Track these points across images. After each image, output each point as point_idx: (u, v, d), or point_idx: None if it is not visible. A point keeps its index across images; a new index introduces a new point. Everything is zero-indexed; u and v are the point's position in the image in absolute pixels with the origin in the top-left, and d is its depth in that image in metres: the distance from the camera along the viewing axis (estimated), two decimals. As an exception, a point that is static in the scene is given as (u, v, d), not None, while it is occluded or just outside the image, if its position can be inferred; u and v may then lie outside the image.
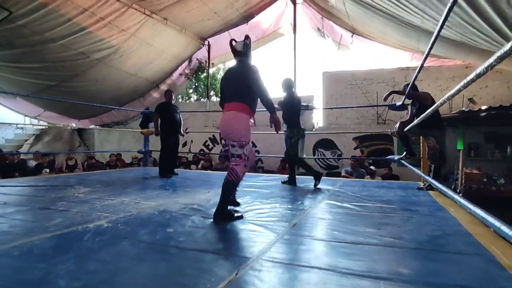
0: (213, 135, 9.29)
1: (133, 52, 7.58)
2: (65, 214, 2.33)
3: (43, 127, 9.92)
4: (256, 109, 2.43)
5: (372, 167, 6.82)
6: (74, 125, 9.67)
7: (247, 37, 2.58)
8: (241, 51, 2.53)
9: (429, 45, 1.95)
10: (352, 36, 7.89)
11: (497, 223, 0.96)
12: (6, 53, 6.35)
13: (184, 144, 9.69)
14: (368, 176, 6.31)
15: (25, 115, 9.19)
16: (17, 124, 9.28)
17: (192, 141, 9.62)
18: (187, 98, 14.18)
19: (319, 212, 2.53)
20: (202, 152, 9.09)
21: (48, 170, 6.50)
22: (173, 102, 5.12)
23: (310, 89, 30.41)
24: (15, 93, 7.25)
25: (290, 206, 2.70)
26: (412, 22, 4.62)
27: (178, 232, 1.91)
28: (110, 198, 2.95)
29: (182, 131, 5.01)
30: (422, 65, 2.30)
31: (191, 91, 13.67)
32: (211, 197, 3.07)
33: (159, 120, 4.77)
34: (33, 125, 9.64)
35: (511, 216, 5.06)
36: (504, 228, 0.91)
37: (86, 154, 8.71)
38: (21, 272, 1.34)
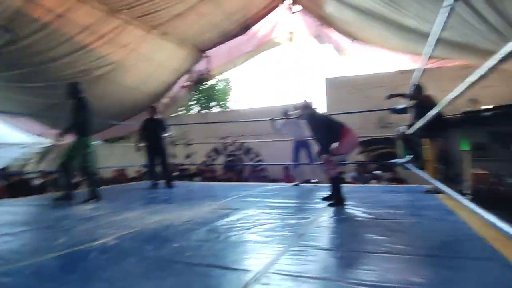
0: (216, 146, 9.31)
1: (133, 67, 7.67)
2: (70, 232, 2.32)
3: (49, 145, 9.99)
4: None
5: (377, 172, 6.76)
6: (78, 141, 9.71)
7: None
8: None
9: (428, 48, 1.95)
10: (352, 42, 7.93)
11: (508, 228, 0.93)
12: (11, 73, 6.44)
13: (188, 156, 9.71)
14: (374, 181, 6.25)
15: (30, 134, 9.26)
16: (22, 144, 9.35)
17: (195, 152, 9.63)
18: (187, 110, 14.28)
19: (326, 220, 2.49)
20: (205, 163, 9.08)
21: (53, 188, 6.51)
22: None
23: (312, 96, 30.47)
24: (22, 113, 7.33)
25: (296, 216, 2.67)
26: (410, 25, 4.64)
27: (184, 247, 1.89)
28: (115, 214, 2.94)
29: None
30: (423, 68, 2.29)
31: (192, 103, 13.76)
32: (216, 209, 3.04)
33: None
34: (38, 144, 9.72)
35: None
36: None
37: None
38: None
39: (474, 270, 1.44)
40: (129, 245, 1.96)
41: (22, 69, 6.39)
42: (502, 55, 0.85)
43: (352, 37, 7.77)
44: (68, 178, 3.75)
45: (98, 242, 2.03)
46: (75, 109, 3.86)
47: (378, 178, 6.43)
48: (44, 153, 9.86)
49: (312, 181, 4.83)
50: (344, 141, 3.08)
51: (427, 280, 1.33)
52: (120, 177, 8.23)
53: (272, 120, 4.94)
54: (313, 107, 3.49)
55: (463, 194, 5.51)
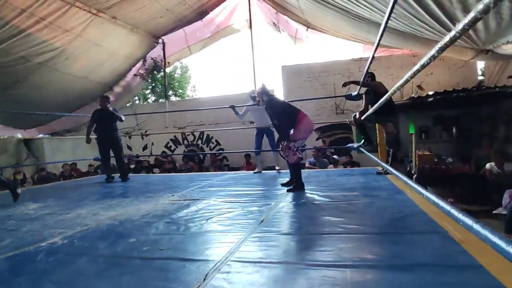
0: (175, 136, 9.04)
1: (80, 54, 7.09)
2: (14, 234, 2.13)
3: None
4: None
5: (334, 156, 7.06)
6: (19, 135, 8.87)
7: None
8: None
9: (378, 37, 2.03)
10: (307, 30, 8.06)
11: (445, 205, 1.02)
12: None
13: (145, 148, 9.33)
14: (331, 165, 6.52)
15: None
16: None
17: (152, 143, 9.29)
18: (144, 99, 13.65)
19: (286, 206, 2.55)
20: (164, 154, 8.81)
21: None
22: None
23: (270, 84, 30.74)
24: None
25: (257, 203, 2.70)
26: (361, 15, 4.81)
27: (141, 242, 1.82)
28: (65, 212, 2.74)
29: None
30: (373, 56, 2.39)
31: (147, 92, 13.17)
32: (175, 200, 2.97)
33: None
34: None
35: (459, 190, 5.51)
36: (451, 210, 0.97)
37: (36, 166, 8.05)
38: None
39: (419, 243, 1.56)
40: (80, 244, 1.84)
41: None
42: (443, 44, 0.90)
43: (307, 25, 7.89)
44: None
45: (45, 242, 1.88)
46: None
47: (335, 163, 6.72)
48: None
49: (277, 168, 4.89)
50: (301, 126, 3.14)
51: (378, 256, 1.42)
52: (71, 172, 7.69)
53: (232, 107, 4.88)
54: (270, 92, 3.49)
55: (410, 174, 5.97)
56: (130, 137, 9.17)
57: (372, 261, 1.36)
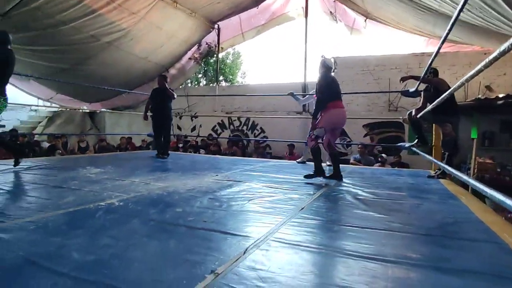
0: (222, 120, 9.30)
1: (143, 35, 7.55)
2: (77, 192, 2.39)
3: (56, 110, 10.08)
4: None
5: (382, 155, 6.75)
6: (85, 108, 9.79)
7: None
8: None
9: (447, 30, 1.88)
10: (365, 21, 7.68)
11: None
12: (21, 35, 6.38)
13: (193, 129, 9.74)
14: (378, 164, 6.25)
15: (39, 98, 9.32)
16: (30, 106, 9.44)
17: (201, 125, 9.66)
18: (196, 82, 14.15)
19: (327, 197, 2.52)
20: (210, 136, 9.13)
21: (60, 151, 6.63)
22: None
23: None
24: (29, 76, 7.33)
25: (298, 191, 2.70)
26: (429, 5, 4.46)
27: (187, 212, 1.94)
28: (121, 178, 3.00)
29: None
30: (438, 51, 2.22)
31: (200, 75, 13.62)
32: (219, 180, 3.09)
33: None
34: (46, 107, 9.78)
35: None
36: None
37: (97, 136, 8.85)
38: (36, 245, 1.38)
39: (470, 250, 1.46)
40: (134, 208, 2.01)
41: (31, 32, 6.33)
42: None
43: (366, 15, 7.51)
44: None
45: (104, 202, 2.09)
46: None
47: (382, 161, 6.42)
48: (52, 117, 9.96)
49: (328, 163, 4.73)
50: (325, 115, 3.09)
51: (423, 256, 1.36)
52: (127, 145, 8.33)
53: (292, 93, 4.91)
54: (330, 66, 3.29)
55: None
56: (180, 118, 9.63)
57: (416, 260, 1.31)
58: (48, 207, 1.98)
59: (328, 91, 3.15)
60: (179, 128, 9.84)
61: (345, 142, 7.65)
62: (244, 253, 1.33)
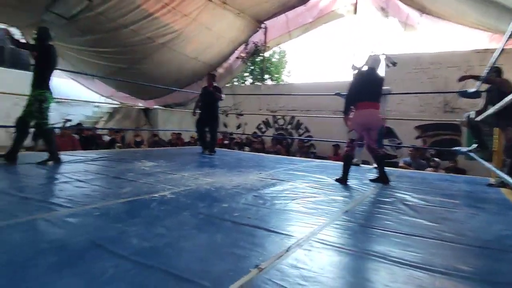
0: (267, 118, 9.39)
1: (194, 36, 7.91)
2: (133, 184, 2.61)
3: (115, 106, 11.00)
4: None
5: (435, 159, 6.32)
6: (141, 105, 10.53)
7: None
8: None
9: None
10: (420, 16, 7.22)
11: None
12: (86, 38, 7.08)
13: (238, 126, 9.98)
14: (430, 168, 5.87)
15: (101, 95, 10.25)
16: (94, 102, 10.43)
17: (246, 123, 9.85)
18: (242, 81, 14.44)
19: (373, 201, 2.47)
20: (255, 134, 9.28)
21: (119, 144, 7.26)
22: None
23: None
24: (93, 75, 8.11)
25: (342, 193, 2.68)
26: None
27: (232, 208, 2.03)
28: (172, 172, 3.22)
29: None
30: (502, 48, 2.05)
31: (246, 74, 13.86)
32: (263, 178, 3.17)
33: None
34: (107, 104, 10.75)
35: None
36: None
37: (151, 132, 9.47)
38: (100, 230, 1.56)
39: (532, 268, 1.35)
40: (184, 200, 2.16)
41: (95, 35, 6.97)
42: None
43: (423, 10, 7.05)
44: (22, 136, 3.38)
45: (157, 194, 2.28)
46: (37, 57, 3.33)
47: (435, 166, 6.01)
48: (112, 113, 10.88)
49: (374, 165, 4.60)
50: (352, 116, 3.04)
51: (475, 269, 1.29)
52: (177, 140, 8.81)
53: (338, 93, 4.84)
54: (372, 65, 3.16)
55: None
56: (226, 115, 9.93)
57: (467, 273, 1.25)
58: (109, 195, 2.21)
59: (357, 90, 3.09)
60: (225, 125, 10.15)
61: (394, 144, 7.29)
62: (287, 251, 1.38)
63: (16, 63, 9.39)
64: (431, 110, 7.17)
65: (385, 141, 7.40)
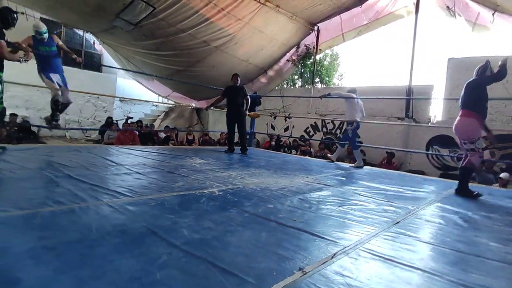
0: (315, 122, 9.24)
1: (246, 40, 8.10)
2: (185, 179, 2.76)
3: (171, 106, 11.73)
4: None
5: (505, 174, 5.66)
6: (193, 105, 11.06)
7: (488, 62, 3.32)
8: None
9: None
10: (493, 14, 6.54)
11: None
12: (149, 42, 7.65)
13: (286, 129, 9.96)
14: (497, 184, 5.28)
15: (159, 95, 11.00)
16: (152, 102, 11.23)
17: (293, 126, 9.80)
18: (292, 84, 14.39)
19: (429, 214, 2.30)
20: (302, 137, 9.18)
21: (173, 141, 7.71)
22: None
23: (429, 78, 26.80)
24: (154, 75, 8.73)
25: (394, 203, 2.53)
26: None
27: (278, 209, 2.05)
28: (220, 171, 3.33)
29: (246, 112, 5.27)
30: None
31: (296, 77, 13.79)
32: (309, 182, 3.13)
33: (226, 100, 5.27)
34: (164, 103, 11.52)
35: None
36: None
37: (202, 131, 9.90)
38: (156, 219, 1.68)
39: None
40: (231, 198, 2.23)
41: (157, 39, 7.50)
42: None
43: (495, 8, 6.38)
44: None
45: (207, 190, 2.38)
46: None
47: (505, 183, 5.39)
48: (167, 112, 11.62)
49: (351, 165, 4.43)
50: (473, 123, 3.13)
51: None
52: (225, 140, 9.09)
53: (325, 96, 4.80)
54: (488, 73, 3.31)
55: None
56: (275, 118, 9.97)
57: (540, 303, 1.11)
58: (164, 188, 2.37)
59: (479, 100, 3.17)
60: (272, 127, 10.20)
61: (456, 155, 6.69)
62: (332, 257, 1.35)
63: (90, 65, 10.47)
64: (503, 120, 6.45)
65: (446, 151, 6.84)
